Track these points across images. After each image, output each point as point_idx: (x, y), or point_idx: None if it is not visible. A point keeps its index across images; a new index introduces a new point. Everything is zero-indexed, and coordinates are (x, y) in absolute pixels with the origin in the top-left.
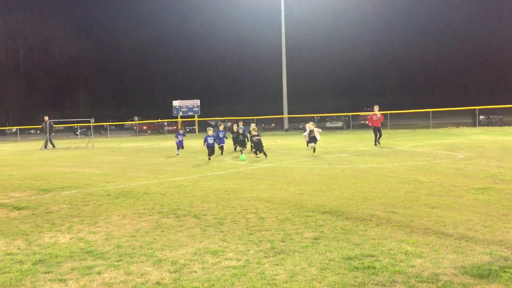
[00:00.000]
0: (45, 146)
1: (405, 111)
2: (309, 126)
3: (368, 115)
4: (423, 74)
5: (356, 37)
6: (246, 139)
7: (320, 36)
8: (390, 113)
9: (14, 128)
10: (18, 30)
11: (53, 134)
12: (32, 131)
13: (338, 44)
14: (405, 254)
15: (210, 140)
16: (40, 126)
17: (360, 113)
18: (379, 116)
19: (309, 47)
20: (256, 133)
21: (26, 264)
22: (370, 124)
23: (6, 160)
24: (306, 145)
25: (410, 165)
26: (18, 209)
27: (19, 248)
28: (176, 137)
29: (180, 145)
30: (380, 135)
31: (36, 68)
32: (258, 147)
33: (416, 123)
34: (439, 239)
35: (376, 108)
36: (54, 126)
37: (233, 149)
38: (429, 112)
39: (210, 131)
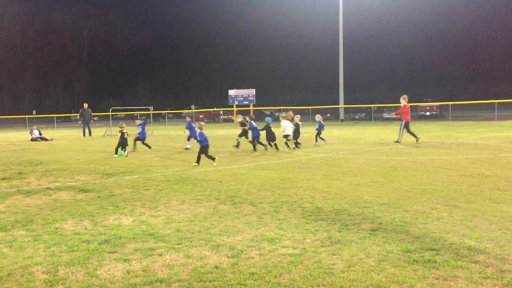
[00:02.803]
0: (84, 134)
1: (468, 102)
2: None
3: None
4: (488, 62)
5: (414, 25)
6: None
7: (378, 25)
8: (451, 104)
9: (78, 115)
10: (83, 21)
11: (92, 121)
12: (95, 118)
13: (396, 33)
14: (468, 249)
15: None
16: (77, 114)
17: (419, 104)
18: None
19: (366, 36)
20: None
21: (93, 243)
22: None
23: (72, 145)
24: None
25: (473, 158)
26: (84, 192)
27: (86, 228)
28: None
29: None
30: (408, 131)
31: (99, 58)
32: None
33: (480, 115)
34: (505, 235)
35: (401, 99)
36: (117, 113)
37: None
38: (494, 103)
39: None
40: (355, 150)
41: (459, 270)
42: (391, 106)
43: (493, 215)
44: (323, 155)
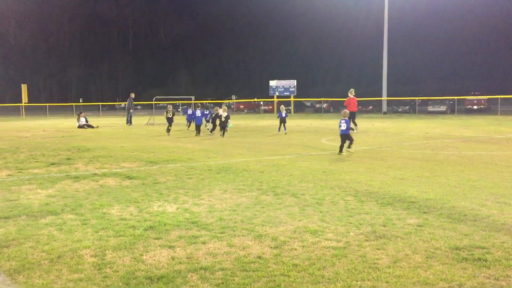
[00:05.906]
0: (127, 122)
1: None
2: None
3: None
4: None
5: (461, 14)
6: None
7: (423, 15)
8: (500, 98)
9: (123, 104)
10: (128, 11)
11: (132, 111)
12: (139, 107)
13: (442, 23)
14: None
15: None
16: (122, 103)
17: (466, 97)
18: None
19: (412, 27)
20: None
21: (138, 229)
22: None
23: (117, 133)
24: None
25: None
26: (130, 179)
27: (131, 214)
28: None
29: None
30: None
31: (143, 47)
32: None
33: None
34: None
35: (348, 92)
36: (159, 103)
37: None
38: None
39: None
40: (398, 144)
41: (511, 270)
42: (436, 99)
43: None
44: (366, 148)
